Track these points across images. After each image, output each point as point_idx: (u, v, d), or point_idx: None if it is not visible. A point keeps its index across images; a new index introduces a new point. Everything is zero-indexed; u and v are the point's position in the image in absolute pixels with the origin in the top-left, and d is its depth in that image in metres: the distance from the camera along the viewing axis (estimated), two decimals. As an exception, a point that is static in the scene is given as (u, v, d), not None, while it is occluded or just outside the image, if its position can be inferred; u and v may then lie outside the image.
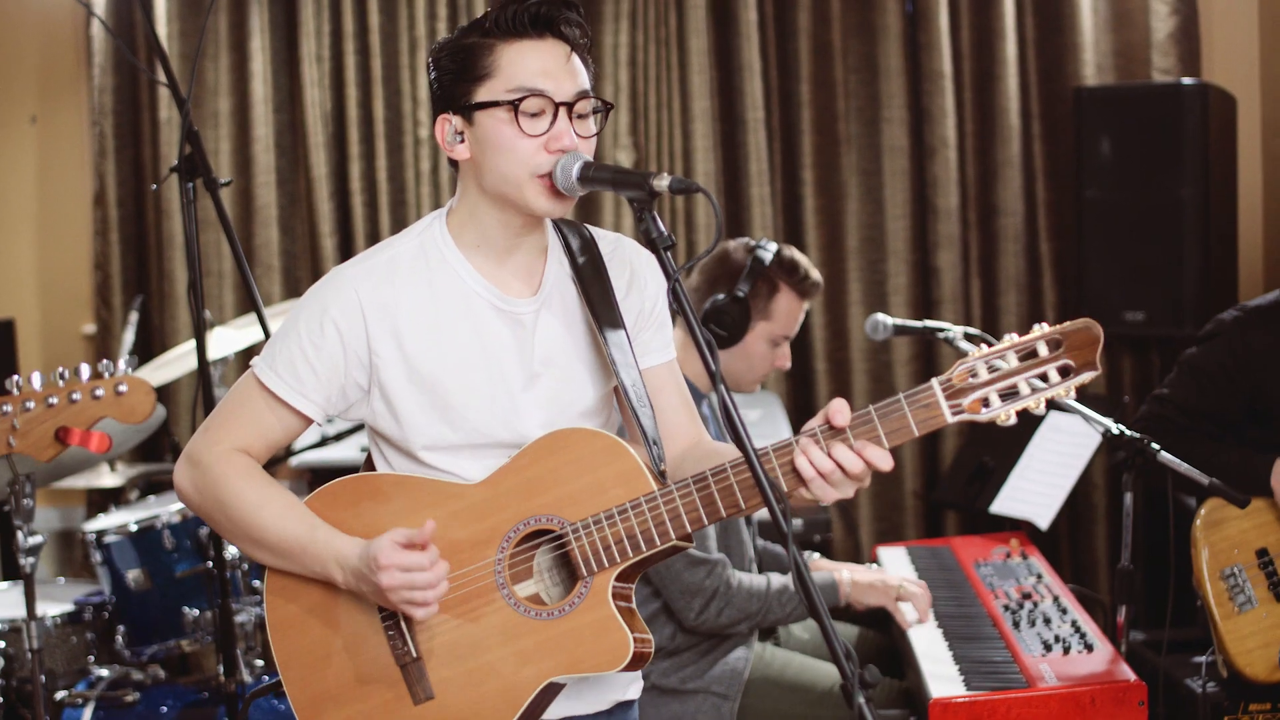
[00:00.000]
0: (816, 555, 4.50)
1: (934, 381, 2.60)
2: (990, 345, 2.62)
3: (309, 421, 2.80)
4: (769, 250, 4.15)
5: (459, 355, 2.75)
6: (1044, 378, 2.57)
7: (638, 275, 2.92)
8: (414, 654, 2.74)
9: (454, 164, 2.81)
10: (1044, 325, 2.58)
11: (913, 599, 4.13)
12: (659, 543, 2.68)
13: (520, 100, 2.66)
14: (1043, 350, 2.56)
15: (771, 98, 6.33)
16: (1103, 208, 5.79)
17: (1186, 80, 5.78)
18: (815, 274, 4.23)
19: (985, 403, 2.57)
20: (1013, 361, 2.56)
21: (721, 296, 4.12)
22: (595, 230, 2.95)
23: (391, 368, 2.73)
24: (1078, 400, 3.87)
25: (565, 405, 2.82)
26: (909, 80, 6.28)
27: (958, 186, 6.26)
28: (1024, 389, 2.56)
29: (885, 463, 2.59)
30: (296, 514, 2.76)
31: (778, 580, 4.03)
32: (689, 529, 2.68)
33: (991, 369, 2.58)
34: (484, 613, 2.73)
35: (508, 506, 2.73)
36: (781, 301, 4.18)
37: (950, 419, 2.58)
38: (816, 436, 2.61)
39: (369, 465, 2.92)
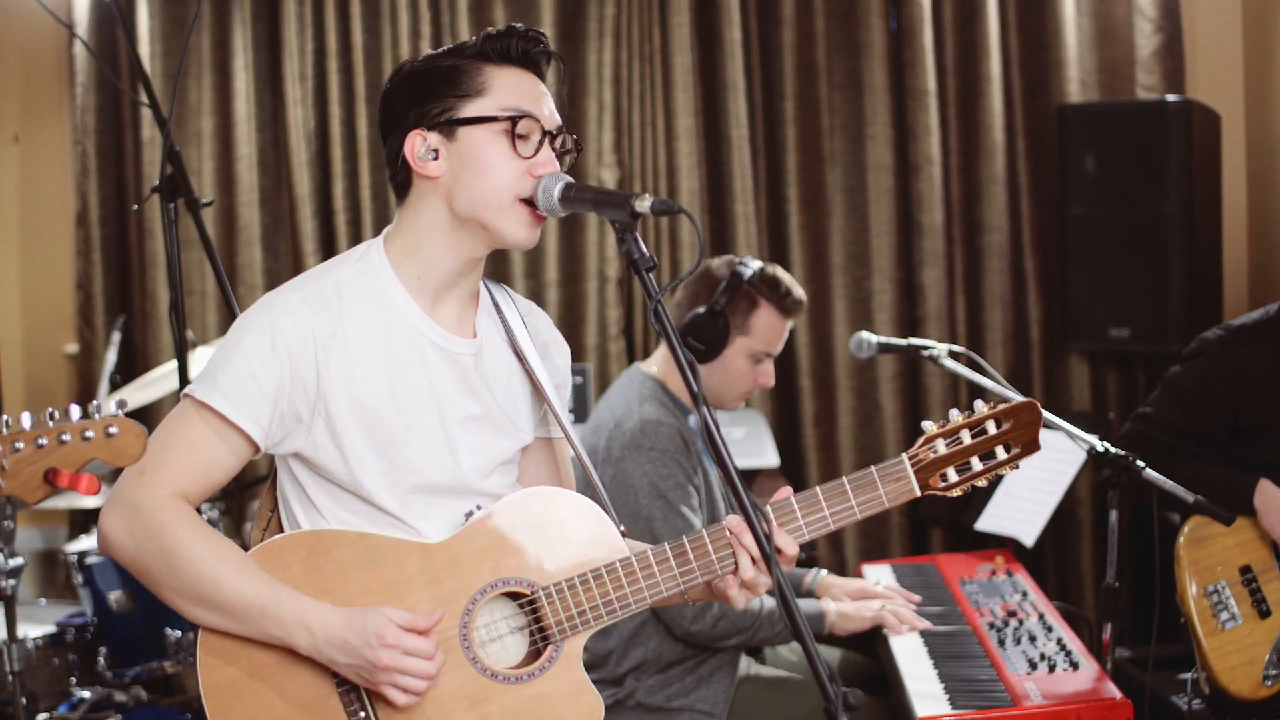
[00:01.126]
0: (824, 572, 4.45)
1: (904, 456, 2.73)
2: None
3: (255, 450, 2.66)
4: (750, 266, 4.15)
5: (403, 390, 2.70)
6: (992, 454, 2.76)
7: (550, 347, 2.97)
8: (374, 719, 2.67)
9: (403, 191, 2.78)
10: (990, 404, 2.76)
11: (894, 617, 4.12)
12: (635, 607, 2.69)
13: (517, 119, 2.67)
14: (991, 428, 2.74)
15: (756, 115, 6.33)
16: (1087, 224, 5.79)
17: (1171, 97, 5.78)
18: (798, 291, 4.21)
19: (944, 478, 2.74)
20: (966, 439, 2.73)
21: (700, 310, 4.11)
22: (511, 291, 2.97)
23: (338, 398, 2.66)
24: (1062, 417, 3.87)
25: (495, 452, 2.81)
26: (893, 97, 6.28)
27: (942, 203, 6.26)
28: (975, 465, 2.75)
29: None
30: (251, 573, 2.60)
31: (770, 602, 4.02)
32: (665, 593, 2.70)
33: (949, 444, 2.74)
34: (446, 676, 2.65)
35: (474, 567, 2.68)
36: (761, 317, 4.17)
37: (919, 493, 2.73)
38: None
39: (271, 490, 2.84)
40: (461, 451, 2.75)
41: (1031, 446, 2.76)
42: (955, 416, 2.75)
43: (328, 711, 2.65)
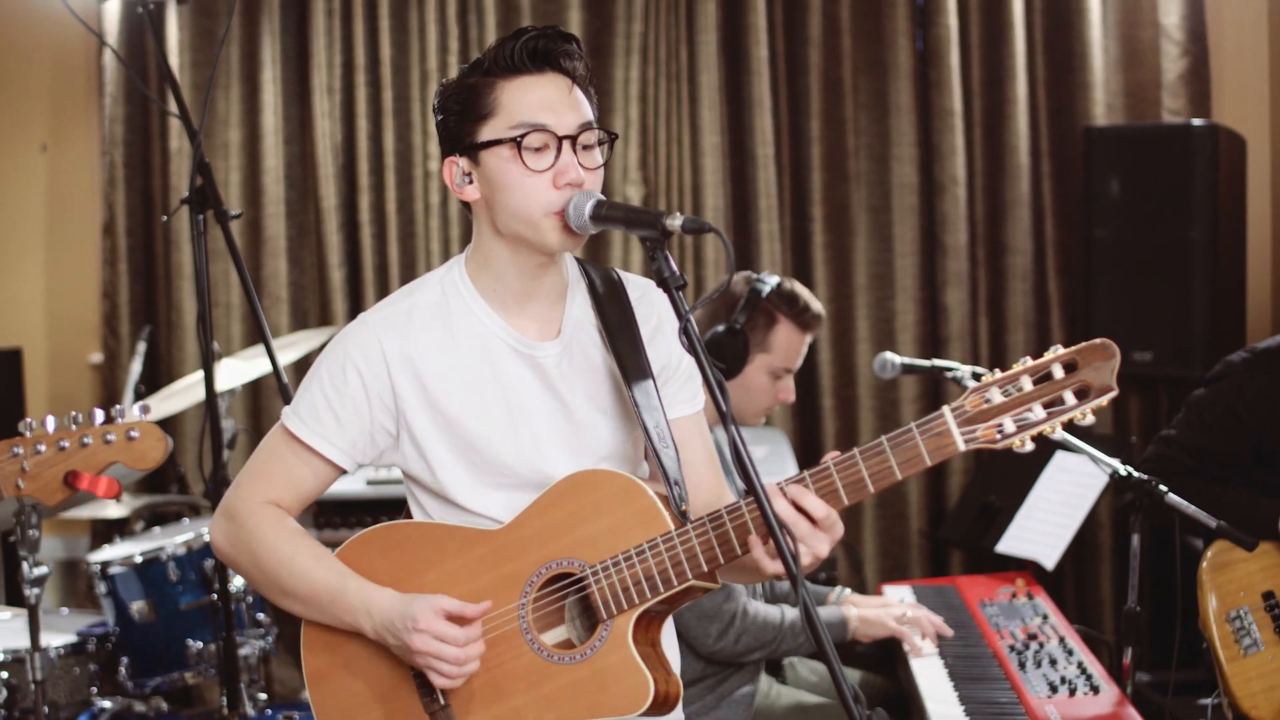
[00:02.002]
0: (847, 590, 4.44)
1: (945, 409, 2.53)
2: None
3: (338, 470, 2.83)
4: (768, 282, 4.13)
5: (481, 398, 2.77)
6: (1059, 401, 2.49)
7: (664, 325, 2.91)
8: (441, 701, 2.76)
9: (467, 207, 2.82)
10: (1059, 348, 2.51)
11: (916, 623, 4.12)
12: (676, 583, 2.67)
13: (522, 136, 2.67)
14: (1057, 373, 2.48)
15: (781, 134, 6.34)
16: (1111, 247, 5.79)
17: (1196, 121, 5.79)
18: (816, 305, 4.19)
19: (1000, 429, 2.50)
20: (1027, 386, 2.49)
21: (720, 328, 4.10)
22: (623, 274, 2.95)
23: (417, 412, 2.77)
24: (1084, 441, 3.86)
25: (589, 449, 2.83)
26: (919, 118, 6.29)
27: (966, 224, 6.27)
28: (1039, 414, 2.49)
29: (820, 511, 2.54)
30: (326, 564, 2.79)
31: (791, 613, 4.01)
32: (705, 568, 2.66)
33: (1006, 394, 2.50)
34: (509, 658, 2.74)
35: (530, 550, 2.74)
36: (780, 333, 4.15)
37: (963, 447, 2.51)
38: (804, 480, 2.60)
39: (408, 511, 2.95)
40: (554, 452, 2.80)
41: (1105, 389, 2.47)
42: (1020, 363, 2.53)
43: (404, 692, 2.80)
